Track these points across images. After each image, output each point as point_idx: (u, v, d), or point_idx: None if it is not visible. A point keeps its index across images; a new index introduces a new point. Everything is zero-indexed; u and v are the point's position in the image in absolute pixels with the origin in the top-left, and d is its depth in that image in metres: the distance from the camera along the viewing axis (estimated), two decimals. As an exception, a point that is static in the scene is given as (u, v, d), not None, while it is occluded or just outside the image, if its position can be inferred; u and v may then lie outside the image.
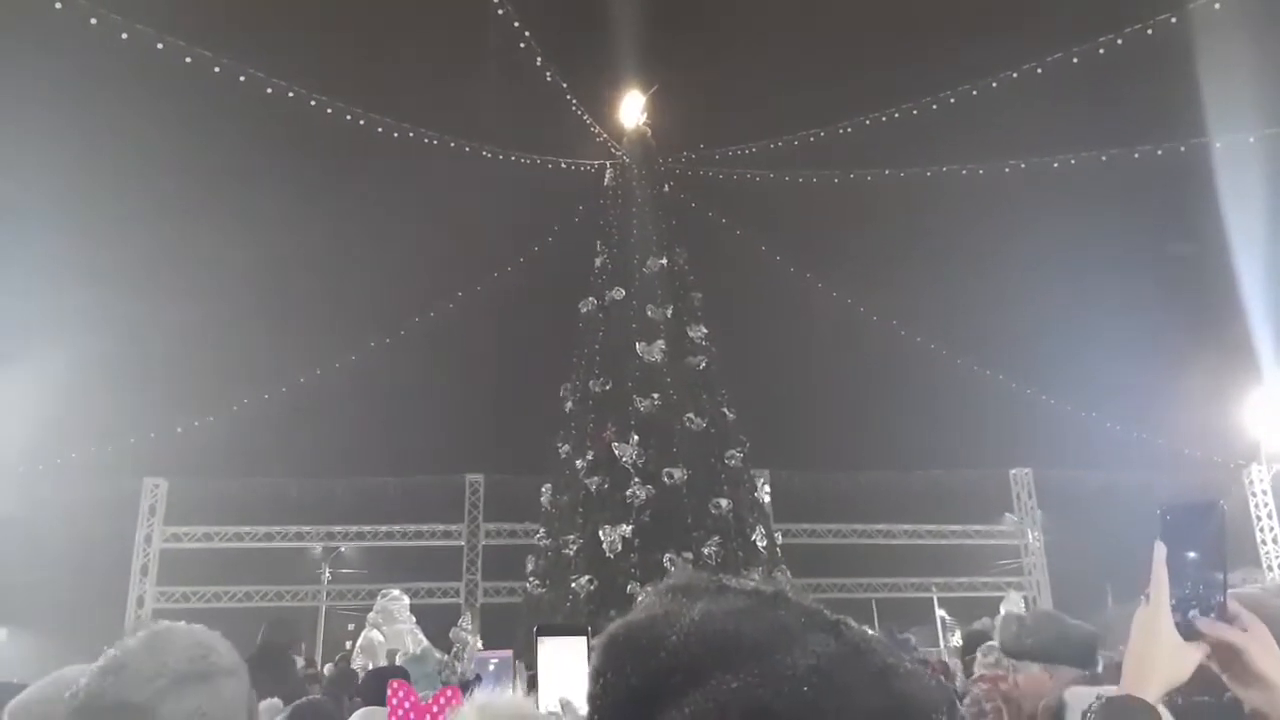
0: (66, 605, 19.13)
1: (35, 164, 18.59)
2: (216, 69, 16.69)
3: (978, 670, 6.01)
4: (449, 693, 4.85)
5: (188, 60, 16.43)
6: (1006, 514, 24.73)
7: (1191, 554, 1.35)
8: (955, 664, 9.84)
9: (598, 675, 0.88)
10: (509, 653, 11.69)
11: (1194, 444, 23.96)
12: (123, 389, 20.95)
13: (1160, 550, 1.37)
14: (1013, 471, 24.79)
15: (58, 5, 15.05)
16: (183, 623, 1.84)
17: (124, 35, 15.72)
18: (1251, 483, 24.78)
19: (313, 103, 17.52)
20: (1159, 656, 1.33)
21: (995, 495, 24.82)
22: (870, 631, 0.87)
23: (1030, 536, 24.39)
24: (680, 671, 0.81)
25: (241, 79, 16.92)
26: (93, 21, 15.41)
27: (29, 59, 17.73)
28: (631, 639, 0.87)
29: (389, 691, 4.57)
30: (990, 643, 4.66)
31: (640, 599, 0.96)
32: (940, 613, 22.84)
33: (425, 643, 14.04)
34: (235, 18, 19.65)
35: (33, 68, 18.24)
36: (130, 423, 20.85)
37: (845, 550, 23.87)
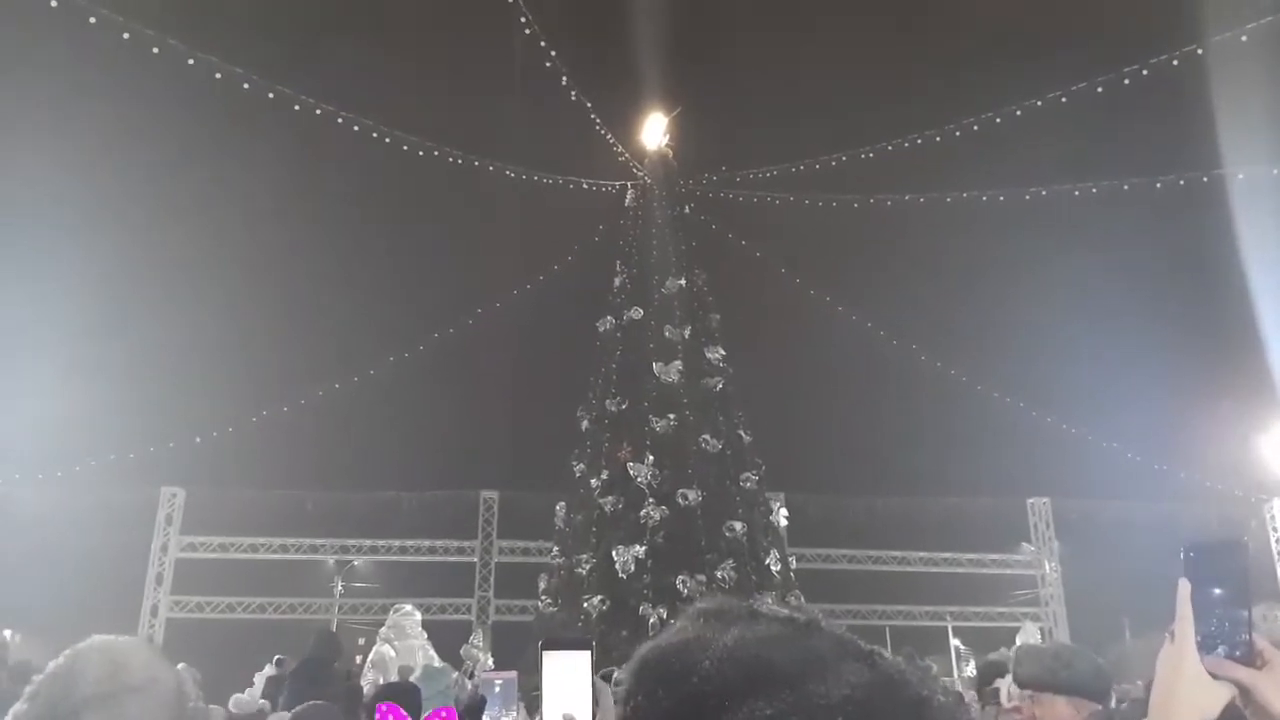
0: (80, 612, 19.17)
1: (56, 169, 18.85)
2: (246, 85, 16.90)
3: (1013, 700, 5.97)
4: (443, 713, 4.84)
5: (217, 76, 16.66)
6: (1023, 543, 24.51)
7: (1216, 591, 1.34)
8: (971, 695, 9.73)
9: (629, 698, 0.88)
10: (514, 674, 11.67)
11: (1215, 477, 23.70)
12: (143, 398, 21.12)
13: (1184, 588, 1.35)
14: (1030, 501, 24.59)
15: (91, 20, 15.30)
16: (114, 637, 1.91)
17: (155, 50, 15.96)
18: (1273, 517, 24.50)
19: (339, 120, 17.70)
20: (1185, 695, 1.31)
21: (1012, 524, 24.62)
22: (904, 662, 0.87)
23: (1047, 567, 24.15)
24: (713, 698, 0.80)
25: (270, 95, 17.12)
26: (125, 36, 15.66)
27: (48, 62, 18.04)
28: (664, 663, 0.86)
29: (378, 715, 4.57)
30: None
31: (654, 620, 0.95)
32: (955, 642, 22.64)
33: (436, 659, 14.03)
34: (265, 35, 19.93)
35: (56, 72, 18.54)
36: (150, 431, 21.01)
37: (859, 576, 23.71)
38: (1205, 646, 1.32)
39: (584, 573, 16.02)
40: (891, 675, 0.83)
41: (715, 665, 0.82)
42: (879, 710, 0.79)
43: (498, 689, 11.02)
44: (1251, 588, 1.35)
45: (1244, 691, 1.31)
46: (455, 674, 13.31)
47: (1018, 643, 13.45)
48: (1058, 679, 3.43)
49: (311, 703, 5.48)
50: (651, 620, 14.22)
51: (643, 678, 0.87)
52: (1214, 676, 1.31)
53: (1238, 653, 1.31)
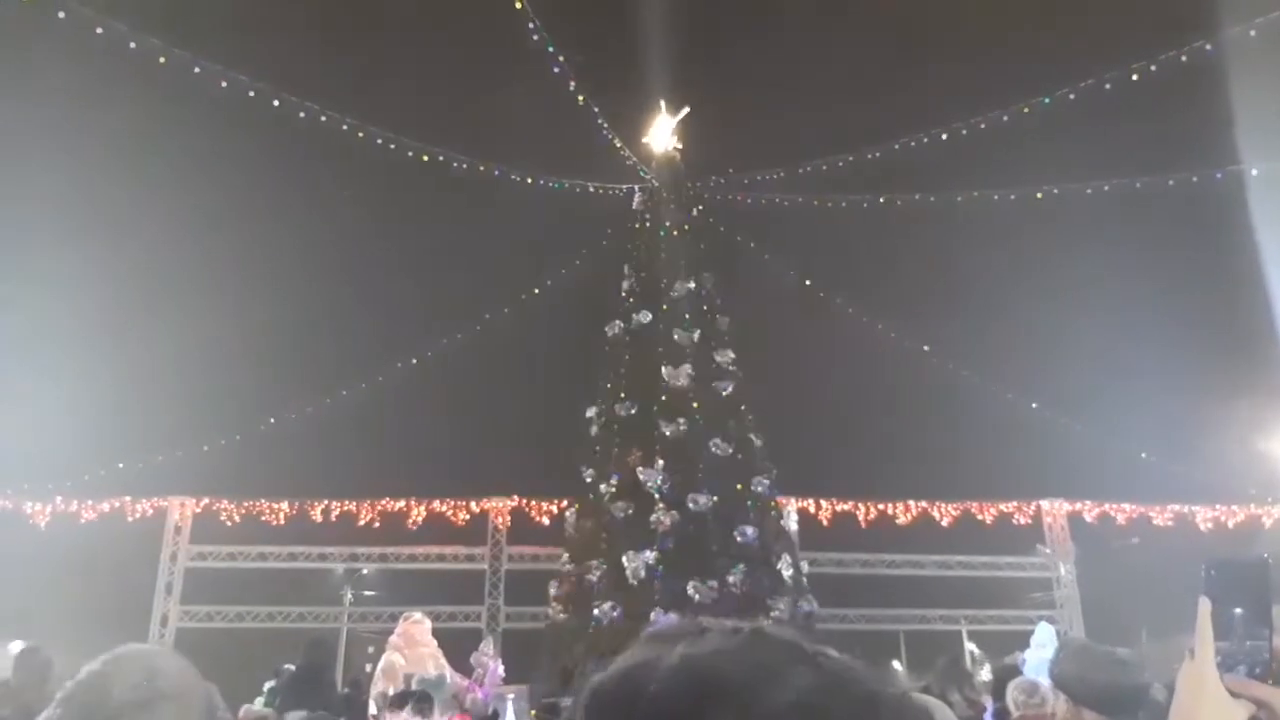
0: (90, 622, 19.21)
1: (64, 179, 18.91)
2: (251, 93, 16.92)
3: (1019, 708, 5.85)
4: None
5: (223, 85, 16.69)
6: (1038, 546, 24.33)
7: (1237, 610, 1.33)
8: (986, 699, 9.59)
9: None
10: (524, 687, 11.62)
11: (1229, 478, 23.55)
12: (151, 407, 21.16)
13: (1205, 606, 1.34)
14: (1045, 503, 24.42)
15: (98, 30, 15.34)
16: (146, 645, 1.97)
17: (161, 59, 15.99)
18: (1290, 518, 24.29)
19: (344, 127, 17.69)
20: (1205, 713, 1.30)
21: (1027, 527, 24.46)
22: (851, 660, 0.87)
23: (1062, 569, 23.97)
24: (663, 719, 0.80)
25: (276, 103, 17.13)
26: (131, 45, 15.70)
27: (51, 67, 18.10)
28: (613, 691, 0.85)
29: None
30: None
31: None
32: (970, 646, 22.48)
33: (447, 667, 13.95)
34: (269, 42, 19.96)
35: (58, 78, 18.61)
36: (158, 441, 21.04)
37: (872, 581, 23.57)
38: (1226, 665, 1.31)
39: (594, 579, 15.92)
40: (839, 674, 0.83)
41: (662, 686, 0.81)
42: (828, 711, 0.80)
43: (510, 702, 10.95)
44: (1273, 607, 1.34)
45: (1266, 709, 1.31)
46: (465, 681, 13.24)
47: (1032, 645, 13.31)
48: (1105, 696, 3.26)
49: (317, 714, 5.41)
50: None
51: (594, 709, 0.87)
52: (1234, 695, 1.29)
53: (1258, 670, 1.29)
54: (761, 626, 0.90)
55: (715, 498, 16.02)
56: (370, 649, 22.06)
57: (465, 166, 19.23)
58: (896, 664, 27.94)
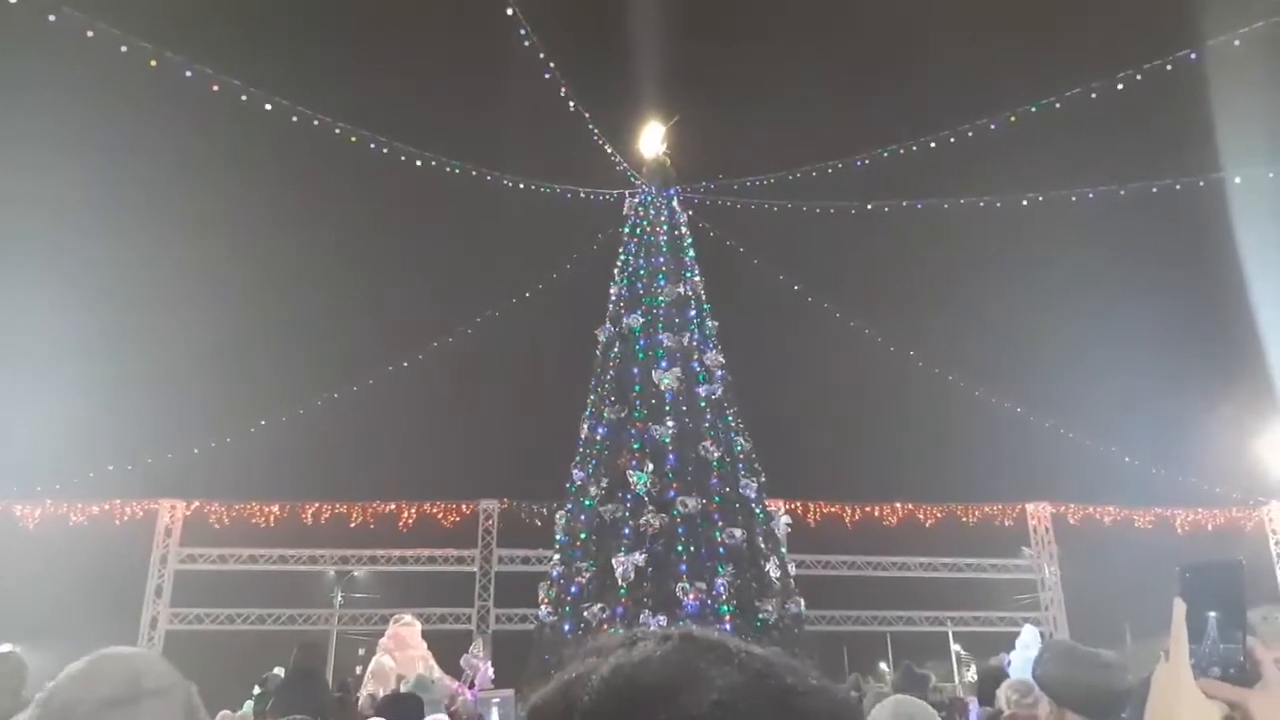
0: (80, 624, 19.20)
1: (55, 184, 18.89)
2: (244, 97, 16.94)
3: (1010, 708, 5.97)
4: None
5: (215, 88, 16.72)
6: (1023, 548, 24.51)
7: (1212, 613, 1.33)
8: (972, 700, 9.73)
9: None
10: (510, 692, 11.61)
11: (1213, 480, 23.77)
12: (141, 410, 21.13)
13: (1179, 608, 1.35)
14: (1030, 505, 24.60)
15: (89, 34, 15.36)
16: (129, 648, 1.94)
17: (153, 63, 16.02)
18: (1271, 519, 24.55)
19: (337, 131, 17.73)
20: (1179, 715, 1.31)
21: (1012, 529, 24.63)
22: (781, 655, 0.89)
23: (1047, 571, 24.16)
24: None
25: (268, 107, 17.15)
26: (123, 49, 15.72)
27: (41, 70, 18.10)
28: (548, 707, 0.88)
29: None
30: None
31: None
32: (955, 647, 22.62)
33: (437, 669, 14.03)
34: (262, 47, 20.00)
35: (52, 84, 18.60)
36: (148, 444, 21.01)
37: (859, 582, 23.71)
38: (1200, 667, 1.31)
39: (584, 581, 15.99)
40: (759, 670, 0.85)
41: (593, 699, 0.84)
42: (747, 708, 0.81)
43: (495, 706, 10.95)
44: (1246, 609, 1.34)
45: (1239, 710, 1.31)
46: (455, 683, 13.32)
47: (1017, 646, 13.44)
48: (1091, 698, 3.22)
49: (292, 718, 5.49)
50: (652, 628, 14.14)
51: None
52: (1209, 697, 1.31)
53: (1231, 672, 1.30)
54: (690, 631, 0.93)
55: (704, 500, 16.13)
56: (361, 651, 22.09)
57: (458, 171, 19.32)
58: (883, 665, 28.15)
